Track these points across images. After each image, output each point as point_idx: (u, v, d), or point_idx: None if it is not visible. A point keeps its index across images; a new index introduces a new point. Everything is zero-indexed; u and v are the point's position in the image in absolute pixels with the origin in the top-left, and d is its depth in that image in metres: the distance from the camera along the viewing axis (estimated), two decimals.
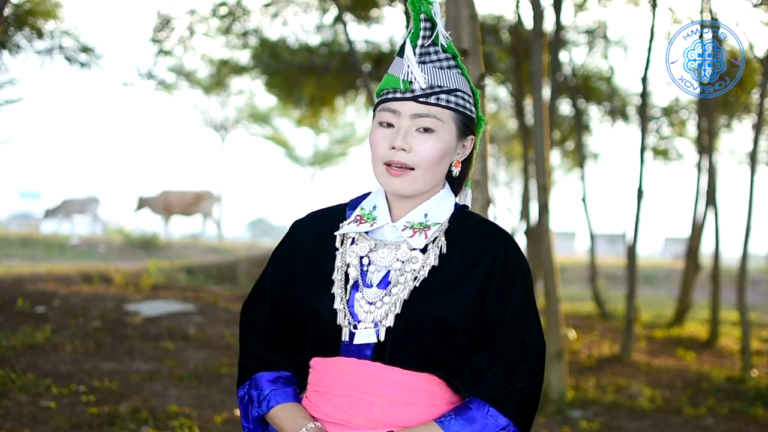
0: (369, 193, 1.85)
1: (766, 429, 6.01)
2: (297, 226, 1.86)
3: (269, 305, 1.83)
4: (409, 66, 1.70)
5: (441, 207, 1.77)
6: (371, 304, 1.70)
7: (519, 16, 10.20)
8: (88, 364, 5.90)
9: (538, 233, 6.95)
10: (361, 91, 12.11)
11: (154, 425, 4.56)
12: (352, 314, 1.70)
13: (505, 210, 28.16)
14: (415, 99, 1.70)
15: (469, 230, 1.77)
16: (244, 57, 12.40)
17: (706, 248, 13.76)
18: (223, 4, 10.53)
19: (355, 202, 1.85)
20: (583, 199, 12.47)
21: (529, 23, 9.36)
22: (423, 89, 1.70)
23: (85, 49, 10.80)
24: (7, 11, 7.34)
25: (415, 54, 1.72)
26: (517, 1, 9.89)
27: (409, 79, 1.70)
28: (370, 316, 1.69)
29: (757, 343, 10.10)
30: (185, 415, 4.82)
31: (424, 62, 1.72)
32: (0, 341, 6.22)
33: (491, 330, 1.71)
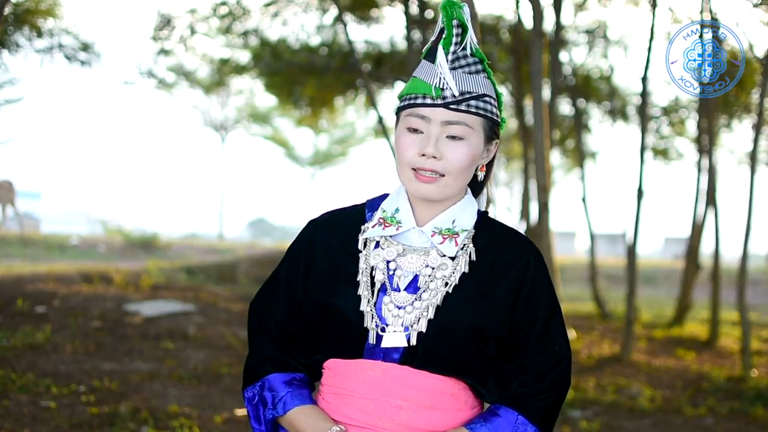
0: (386, 195, 1.83)
1: (766, 429, 6.01)
2: (314, 226, 1.82)
3: (283, 304, 1.79)
4: (441, 73, 1.69)
5: (466, 213, 1.77)
6: (400, 308, 1.68)
7: (519, 16, 10.20)
8: (88, 364, 5.90)
9: (538, 233, 6.95)
10: (361, 91, 12.11)
11: (154, 425, 4.56)
12: (380, 317, 1.68)
13: (505, 210, 28.20)
14: (445, 106, 1.68)
15: (496, 238, 1.77)
16: (244, 57, 12.41)
17: (706, 248, 13.77)
18: (223, 3, 10.53)
19: (374, 203, 1.82)
20: (583, 199, 12.48)
21: (529, 23, 9.35)
22: (454, 96, 1.69)
23: (85, 47, 10.80)
24: (6, 10, 7.33)
25: (447, 60, 1.71)
26: (517, 1, 9.90)
27: (441, 86, 1.69)
28: (399, 320, 1.67)
29: (757, 343, 10.10)
30: (185, 415, 4.82)
31: (454, 68, 1.71)
32: (0, 341, 6.21)
33: (520, 338, 1.72)
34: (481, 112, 1.71)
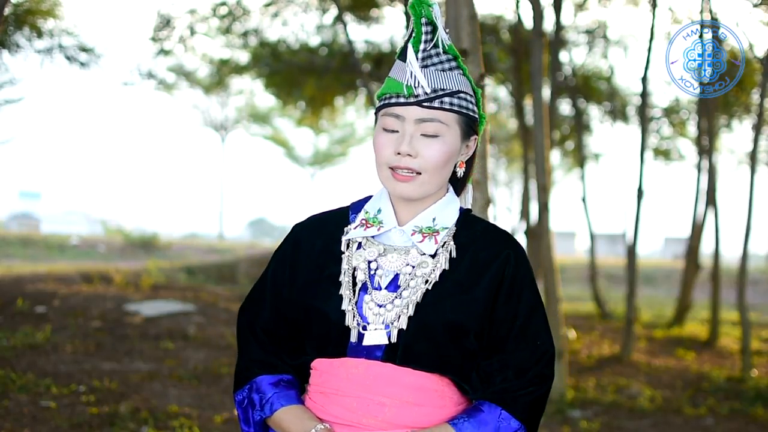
0: (371, 197, 1.84)
1: (766, 429, 6.01)
2: (299, 228, 1.85)
3: (270, 306, 1.81)
4: (412, 71, 1.70)
5: (448, 211, 1.78)
6: (381, 306, 1.69)
7: (519, 16, 10.21)
8: (88, 364, 5.90)
9: (538, 233, 6.95)
10: (361, 91, 12.12)
11: (154, 425, 4.56)
12: (361, 316, 1.69)
13: (505, 210, 28.22)
14: (419, 104, 1.69)
15: (477, 234, 1.78)
16: (244, 57, 12.41)
17: (706, 248, 13.77)
18: (223, 4, 10.53)
19: (358, 205, 1.84)
20: (583, 199, 12.48)
21: (529, 23, 9.36)
22: (426, 94, 1.69)
23: (85, 49, 10.80)
24: (7, 10, 7.34)
25: (417, 58, 1.71)
26: (517, 1, 9.90)
27: (413, 84, 1.69)
28: (380, 318, 1.68)
29: (757, 343, 10.10)
30: (185, 415, 4.82)
31: (426, 66, 1.71)
32: (0, 341, 6.22)
33: (502, 334, 1.72)
34: (456, 108, 1.72)
